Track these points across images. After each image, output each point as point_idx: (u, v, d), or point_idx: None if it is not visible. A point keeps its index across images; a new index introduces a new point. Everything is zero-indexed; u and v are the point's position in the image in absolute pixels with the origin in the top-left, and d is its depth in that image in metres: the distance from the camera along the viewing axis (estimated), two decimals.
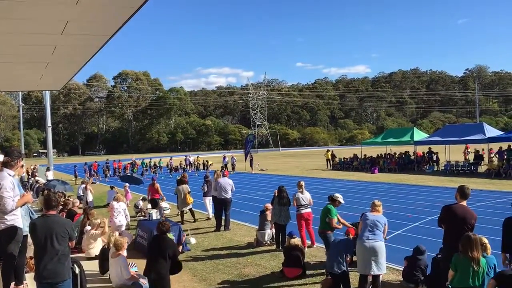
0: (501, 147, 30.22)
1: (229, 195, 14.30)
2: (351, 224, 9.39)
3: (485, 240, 7.03)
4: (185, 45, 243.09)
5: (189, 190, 16.23)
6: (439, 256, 7.74)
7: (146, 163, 43.07)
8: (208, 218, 16.17)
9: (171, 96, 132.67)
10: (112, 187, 20.00)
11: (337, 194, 9.69)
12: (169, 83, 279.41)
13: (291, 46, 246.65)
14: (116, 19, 6.49)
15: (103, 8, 5.97)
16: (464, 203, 6.82)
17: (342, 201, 9.68)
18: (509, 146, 29.95)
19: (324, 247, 9.95)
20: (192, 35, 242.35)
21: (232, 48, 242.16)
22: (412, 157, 35.94)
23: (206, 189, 16.51)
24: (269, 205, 12.08)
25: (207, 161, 45.27)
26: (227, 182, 14.33)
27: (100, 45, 8.02)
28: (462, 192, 6.83)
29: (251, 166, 40.00)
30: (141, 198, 17.88)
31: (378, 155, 38.57)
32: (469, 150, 37.39)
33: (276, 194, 11.53)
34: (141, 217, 14.98)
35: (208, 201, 16.13)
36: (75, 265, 7.18)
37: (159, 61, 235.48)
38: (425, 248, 8.54)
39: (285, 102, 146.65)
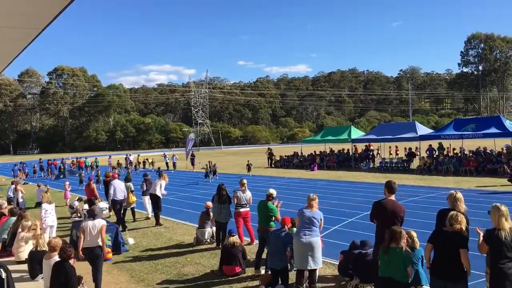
0: (430, 145, 31.87)
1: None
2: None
3: (414, 234, 7.41)
4: (124, 41, 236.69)
5: (132, 189, 15.92)
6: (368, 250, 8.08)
7: (91, 162, 42.08)
8: (147, 218, 15.93)
9: (109, 93, 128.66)
10: (39, 185, 19.31)
11: (271, 191, 9.84)
12: (107, 80, 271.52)
13: (233, 44, 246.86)
14: (47, 12, 6.22)
15: (33, 1, 5.70)
16: (393, 197, 7.14)
17: (275, 196, 9.86)
18: (439, 143, 31.67)
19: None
20: (131, 31, 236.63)
21: (173, 45, 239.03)
22: (362, 153, 37.04)
23: (145, 188, 16.24)
24: (209, 203, 12.07)
25: (147, 159, 44.44)
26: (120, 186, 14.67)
27: (30, 39, 7.65)
28: (390, 187, 7.14)
29: (192, 164, 39.69)
30: (76, 198, 17.28)
31: (315, 151, 39.45)
32: (398, 152, 39.46)
33: (216, 193, 11.56)
34: (76, 218, 14.47)
35: (147, 200, 15.86)
36: (1, 269, 6.83)
37: (97, 57, 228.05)
38: (360, 242, 8.81)
39: (227, 100, 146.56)
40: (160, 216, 14.96)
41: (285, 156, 41.25)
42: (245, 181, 11.73)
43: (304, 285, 7.76)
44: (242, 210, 11.24)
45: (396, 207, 6.97)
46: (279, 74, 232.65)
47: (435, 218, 6.70)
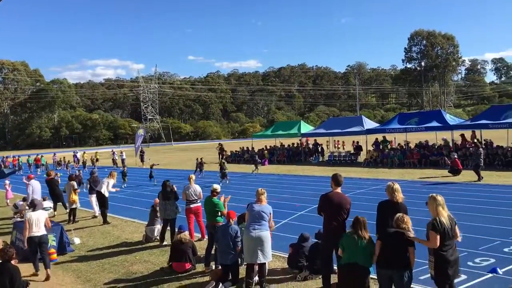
0: (377, 138, 32.87)
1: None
2: (239, 216, 9.54)
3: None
4: (68, 35, 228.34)
5: (76, 187, 15.42)
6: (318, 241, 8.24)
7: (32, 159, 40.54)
8: (94, 216, 15.50)
9: (53, 88, 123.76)
10: None
11: (215, 186, 9.82)
12: (51, 75, 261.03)
13: (182, 39, 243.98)
14: None
15: None
16: (339, 190, 7.31)
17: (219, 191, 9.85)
18: (384, 137, 32.72)
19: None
20: (75, 24, 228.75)
21: (120, 40, 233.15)
22: (312, 147, 37.58)
23: (90, 186, 15.78)
24: (158, 200, 11.88)
25: (96, 157, 43.17)
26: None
27: None
28: (336, 180, 7.31)
29: (142, 161, 38.95)
30: (22, 198, 16.56)
31: (266, 146, 39.73)
32: (344, 146, 40.55)
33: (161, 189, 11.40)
34: (18, 219, 13.86)
35: (94, 198, 15.42)
36: None
37: (39, 52, 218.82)
38: (309, 235, 8.99)
39: (177, 95, 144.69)
40: (108, 214, 14.61)
41: (236, 151, 41.29)
42: (193, 176, 11.64)
43: (254, 279, 7.81)
44: (192, 206, 11.15)
45: (343, 200, 7.14)
46: (229, 69, 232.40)
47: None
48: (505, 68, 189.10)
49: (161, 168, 36.42)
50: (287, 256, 9.00)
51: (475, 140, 28.02)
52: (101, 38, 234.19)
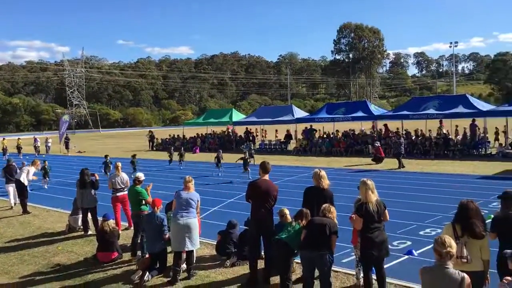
0: (306, 127, 33.71)
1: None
2: (167, 204, 9.43)
3: (286, 211, 7.78)
4: None
5: None
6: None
7: None
8: (12, 207, 14.64)
9: None
10: None
11: (138, 174, 9.63)
12: None
13: (111, 21, 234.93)
14: None
15: None
16: (266, 177, 7.44)
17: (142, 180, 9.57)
18: (310, 126, 33.60)
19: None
20: None
21: (44, 20, 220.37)
22: (243, 135, 37.69)
23: (8, 176, 14.85)
24: None
25: (19, 145, 40.69)
26: None
27: None
28: (264, 168, 7.44)
29: (67, 148, 37.33)
30: None
31: (198, 134, 39.48)
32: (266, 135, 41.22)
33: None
34: None
35: (12, 188, 14.55)
36: None
37: None
38: (237, 221, 9.08)
39: (106, 80, 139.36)
40: (28, 203, 13.88)
41: (166, 138, 40.66)
42: (119, 163, 11.32)
43: (182, 267, 7.78)
44: (119, 194, 10.85)
45: (270, 187, 7.28)
46: (161, 55, 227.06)
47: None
48: (426, 62, 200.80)
49: (87, 156, 35.18)
50: (215, 243, 9.04)
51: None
52: (22, 18, 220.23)
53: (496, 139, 28.86)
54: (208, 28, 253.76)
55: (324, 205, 6.50)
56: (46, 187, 18.92)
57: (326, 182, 7.08)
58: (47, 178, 19.33)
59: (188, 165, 25.66)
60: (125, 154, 33.86)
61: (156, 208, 8.23)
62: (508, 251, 4.26)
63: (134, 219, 9.31)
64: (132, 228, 9.77)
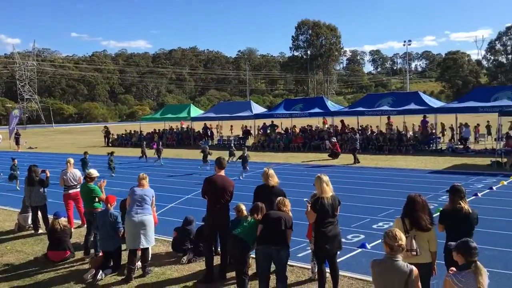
0: (264, 123, 33.88)
1: None
2: (122, 201, 9.24)
3: (243, 207, 7.80)
4: None
5: None
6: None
7: None
8: None
9: None
10: None
11: (91, 171, 9.38)
12: None
13: (64, 13, 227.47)
14: None
15: None
16: (222, 172, 7.44)
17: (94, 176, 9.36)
18: (272, 122, 33.80)
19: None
20: None
21: None
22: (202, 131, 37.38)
23: None
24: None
25: None
26: None
27: None
28: (219, 163, 7.44)
29: (17, 144, 35.93)
30: None
31: (155, 129, 38.95)
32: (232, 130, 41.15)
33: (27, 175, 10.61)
34: None
35: None
36: None
37: None
38: (193, 218, 9.01)
39: (59, 74, 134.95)
40: None
41: (123, 134, 39.87)
42: (72, 160, 10.99)
43: (137, 265, 7.66)
44: (71, 191, 10.55)
45: (226, 182, 7.28)
46: (117, 49, 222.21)
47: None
48: (381, 59, 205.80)
49: (39, 152, 34.05)
50: (171, 240, 8.95)
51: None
52: None
53: (443, 134, 30.00)
54: (166, 23, 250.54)
55: (278, 198, 6.53)
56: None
57: (275, 180, 7.19)
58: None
59: (141, 161, 25.15)
60: (79, 150, 32.97)
61: (109, 205, 8.04)
62: (452, 243, 4.42)
63: (87, 217, 9.08)
64: (85, 226, 9.53)
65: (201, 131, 37.58)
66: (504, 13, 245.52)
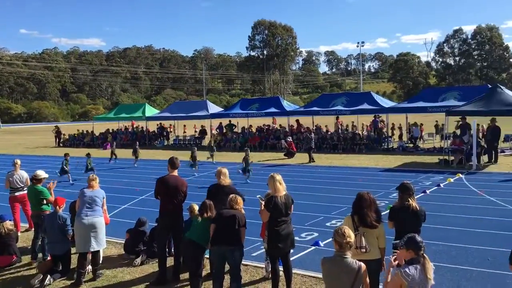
0: (221, 123, 33.82)
1: None
2: (71, 203, 8.96)
3: (195, 207, 7.74)
4: None
5: None
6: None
7: None
8: None
9: None
10: None
11: (38, 172, 9.01)
12: None
13: (12, 9, 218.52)
14: None
15: None
16: (175, 172, 7.37)
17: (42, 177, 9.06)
18: (229, 121, 33.76)
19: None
20: None
21: None
22: (157, 131, 36.77)
23: None
24: None
25: None
26: None
27: None
28: (172, 163, 7.38)
29: None
30: None
31: (109, 129, 38.09)
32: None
33: None
34: None
35: None
36: None
37: None
38: (147, 219, 8.86)
39: (7, 72, 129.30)
40: None
41: (75, 134, 38.71)
42: (18, 161, 10.55)
43: (87, 268, 7.46)
44: (17, 193, 10.13)
45: (179, 182, 7.21)
46: (69, 47, 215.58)
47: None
48: (336, 60, 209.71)
49: None
50: (123, 242, 8.77)
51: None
52: None
53: (392, 133, 30.91)
54: (121, 20, 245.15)
55: (230, 196, 6.48)
56: None
57: (227, 180, 7.23)
58: None
59: (98, 161, 24.49)
60: (28, 151, 31.84)
61: (58, 207, 7.77)
62: (397, 241, 4.55)
63: (35, 220, 8.74)
64: (33, 229, 9.18)
65: (156, 131, 37.03)
66: (452, 17, 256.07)
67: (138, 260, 8.05)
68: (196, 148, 20.68)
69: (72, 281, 7.29)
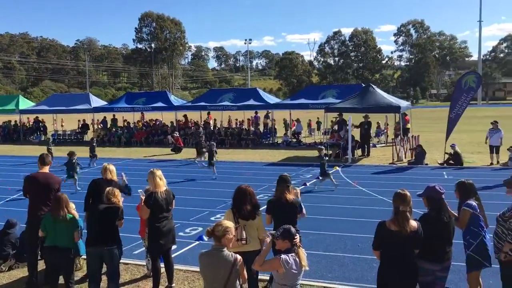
0: (105, 117, 32.37)
1: None
2: None
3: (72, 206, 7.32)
4: None
5: None
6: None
7: None
8: None
9: None
10: None
11: None
12: None
13: None
14: None
15: None
16: (46, 169, 6.93)
17: None
18: (113, 115, 32.43)
19: None
20: None
21: None
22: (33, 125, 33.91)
23: None
24: None
25: None
26: None
27: None
28: (42, 160, 7.01)
29: None
30: None
31: None
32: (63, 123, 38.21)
33: None
34: None
35: None
36: None
37: None
38: (17, 220, 8.18)
39: None
40: None
41: None
42: None
43: None
44: None
45: (50, 179, 6.79)
46: None
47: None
48: (225, 56, 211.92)
49: None
50: None
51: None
52: None
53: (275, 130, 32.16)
54: None
55: (107, 189, 6.15)
56: None
57: (115, 177, 7.07)
58: None
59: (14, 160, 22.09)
60: None
61: None
62: (273, 231, 4.70)
63: None
64: None
65: (31, 124, 34.31)
66: (332, 19, 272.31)
67: (6, 264, 7.42)
68: (215, 144, 17.78)
69: None
